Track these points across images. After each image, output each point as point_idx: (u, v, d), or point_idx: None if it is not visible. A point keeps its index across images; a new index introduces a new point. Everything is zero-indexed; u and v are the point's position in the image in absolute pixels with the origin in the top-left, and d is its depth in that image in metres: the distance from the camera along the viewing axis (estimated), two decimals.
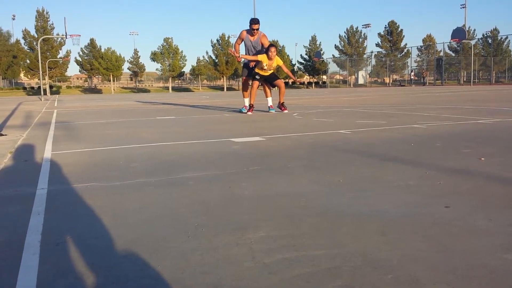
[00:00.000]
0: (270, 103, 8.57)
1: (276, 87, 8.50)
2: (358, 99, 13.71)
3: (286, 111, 8.31)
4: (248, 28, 8.18)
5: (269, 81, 8.43)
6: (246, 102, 8.47)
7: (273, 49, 8.02)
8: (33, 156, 3.63)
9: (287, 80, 57.84)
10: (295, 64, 59.15)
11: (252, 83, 8.37)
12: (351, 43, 56.47)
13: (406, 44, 55.44)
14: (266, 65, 8.11)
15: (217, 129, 5.52)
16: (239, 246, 1.49)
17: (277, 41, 52.34)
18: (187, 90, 52.83)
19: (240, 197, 2.14)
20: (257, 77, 8.27)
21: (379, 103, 10.55)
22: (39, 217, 1.89)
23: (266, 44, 8.13)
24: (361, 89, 32.48)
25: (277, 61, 8.23)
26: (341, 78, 60.98)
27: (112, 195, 2.26)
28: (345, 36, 57.05)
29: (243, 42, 8.34)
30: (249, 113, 8.22)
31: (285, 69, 8.79)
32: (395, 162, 2.93)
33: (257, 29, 8.10)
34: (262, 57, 8.05)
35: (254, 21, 8.09)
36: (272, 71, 8.29)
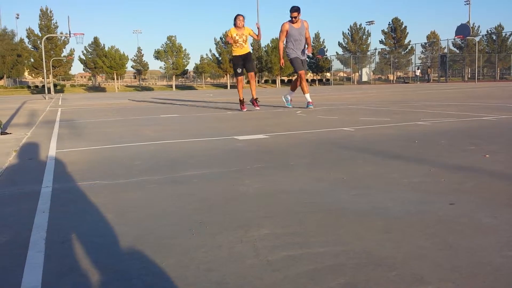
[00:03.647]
0: (308, 99, 8.34)
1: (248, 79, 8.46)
2: (362, 96, 13.68)
3: (258, 108, 8.18)
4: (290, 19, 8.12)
5: (247, 67, 8.19)
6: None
7: (239, 17, 7.98)
8: (37, 155, 3.64)
9: (291, 78, 57.73)
10: None
11: (237, 80, 8.34)
12: (355, 40, 56.33)
13: (410, 41, 55.23)
14: (237, 35, 7.99)
15: (221, 127, 5.52)
16: (243, 244, 1.49)
17: None
18: (190, 88, 52.88)
19: (243, 194, 2.14)
20: (238, 70, 8.17)
21: (383, 100, 10.52)
22: (44, 215, 1.90)
23: (307, 35, 8.21)
24: (365, 86, 32.40)
25: (247, 30, 8.12)
26: (345, 75, 60.82)
27: (116, 193, 2.26)
28: (348, 33, 56.91)
29: (286, 35, 8.19)
30: (244, 110, 8.11)
31: (253, 35, 8.34)
32: (399, 159, 2.92)
33: (296, 17, 8.04)
34: (230, 31, 8.05)
35: (292, 9, 8.03)
36: (246, 45, 8.13)
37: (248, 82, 8.71)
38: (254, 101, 8.31)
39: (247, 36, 8.13)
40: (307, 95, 8.35)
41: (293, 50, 8.21)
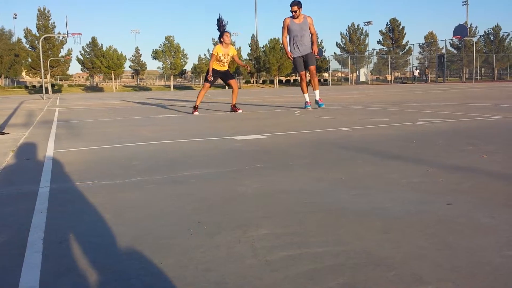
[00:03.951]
0: (307, 99, 8.19)
1: (230, 87, 8.29)
2: (360, 96, 13.70)
3: (240, 111, 8.01)
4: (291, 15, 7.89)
5: (224, 79, 8.20)
6: (307, 97, 8.24)
7: (226, 34, 7.88)
8: (35, 155, 3.63)
9: (289, 78, 57.80)
10: None
11: (203, 85, 8.22)
12: (353, 40, 56.39)
13: (407, 41, 55.37)
14: (222, 55, 7.88)
15: (219, 127, 5.52)
16: (241, 244, 1.49)
17: (279, 38, 52.30)
18: (188, 88, 52.84)
19: (242, 194, 2.13)
20: (210, 79, 8.04)
21: (380, 101, 10.53)
22: (41, 215, 1.90)
23: (313, 25, 7.91)
24: (362, 87, 32.44)
25: (232, 50, 8.03)
26: (343, 75, 60.92)
27: (114, 193, 2.26)
28: (346, 33, 56.97)
29: (288, 31, 7.95)
30: (196, 113, 7.95)
31: (237, 60, 8.36)
32: (397, 159, 2.92)
33: (295, 11, 7.76)
34: (216, 50, 7.89)
35: (292, 3, 7.76)
36: (227, 64, 8.08)
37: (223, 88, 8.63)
38: (234, 108, 8.13)
39: (231, 57, 8.06)
40: (306, 95, 8.29)
41: (294, 47, 7.98)
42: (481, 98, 10.25)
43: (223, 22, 7.98)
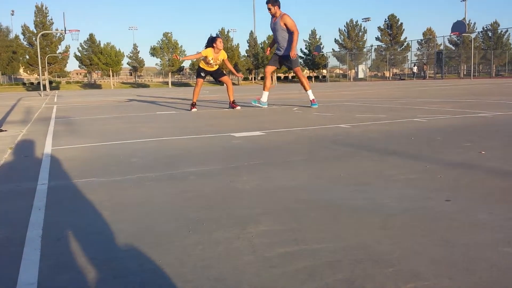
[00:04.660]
0: (311, 96, 7.82)
1: (223, 84, 8.23)
2: (358, 93, 13.69)
3: (238, 108, 7.97)
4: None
5: (215, 76, 8.20)
6: (264, 96, 7.98)
7: (219, 40, 7.85)
8: (33, 152, 3.63)
9: (287, 75, 57.76)
10: None
11: (197, 81, 8.22)
12: (351, 37, 56.34)
13: (406, 37, 55.42)
14: (212, 59, 7.86)
15: (217, 124, 5.51)
16: (240, 240, 1.49)
17: None
18: (186, 85, 52.74)
19: (241, 191, 2.14)
20: (202, 74, 8.06)
21: (379, 97, 10.53)
22: (40, 212, 1.89)
23: (290, 24, 7.35)
24: (361, 83, 32.44)
25: (223, 54, 7.97)
26: (341, 72, 60.91)
27: (112, 190, 2.26)
28: (345, 30, 56.91)
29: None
30: (194, 109, 7.93)
31: (228, 65, 8.22)
32: (396, 156, 2.93)
33: (269, 9, 7.41)
34: (206, 52, 7.82)
35: (266, 1, 7.40)
36: (217, 66, 8.07)
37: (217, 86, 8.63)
38: (233, 104, 8.09)
39: (221, 61, 8.02)
40: (264, 93, 7.95)
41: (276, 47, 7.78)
42: (479, 95, 10.26)
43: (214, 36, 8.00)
